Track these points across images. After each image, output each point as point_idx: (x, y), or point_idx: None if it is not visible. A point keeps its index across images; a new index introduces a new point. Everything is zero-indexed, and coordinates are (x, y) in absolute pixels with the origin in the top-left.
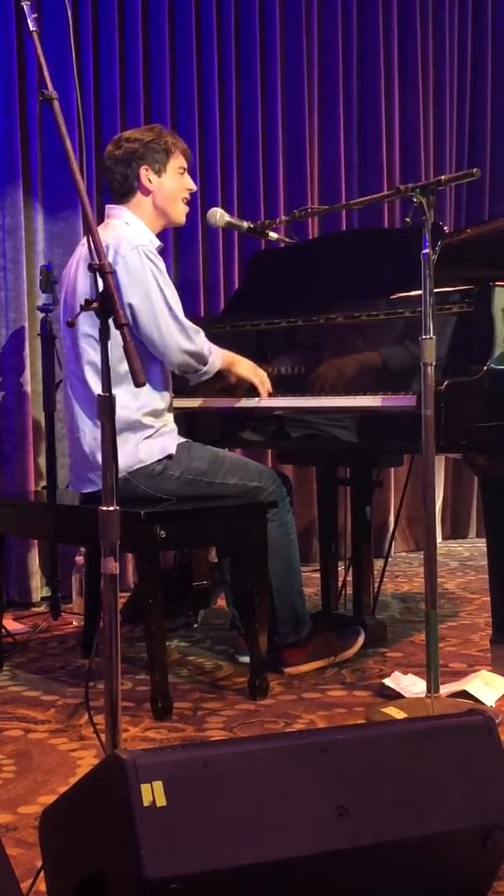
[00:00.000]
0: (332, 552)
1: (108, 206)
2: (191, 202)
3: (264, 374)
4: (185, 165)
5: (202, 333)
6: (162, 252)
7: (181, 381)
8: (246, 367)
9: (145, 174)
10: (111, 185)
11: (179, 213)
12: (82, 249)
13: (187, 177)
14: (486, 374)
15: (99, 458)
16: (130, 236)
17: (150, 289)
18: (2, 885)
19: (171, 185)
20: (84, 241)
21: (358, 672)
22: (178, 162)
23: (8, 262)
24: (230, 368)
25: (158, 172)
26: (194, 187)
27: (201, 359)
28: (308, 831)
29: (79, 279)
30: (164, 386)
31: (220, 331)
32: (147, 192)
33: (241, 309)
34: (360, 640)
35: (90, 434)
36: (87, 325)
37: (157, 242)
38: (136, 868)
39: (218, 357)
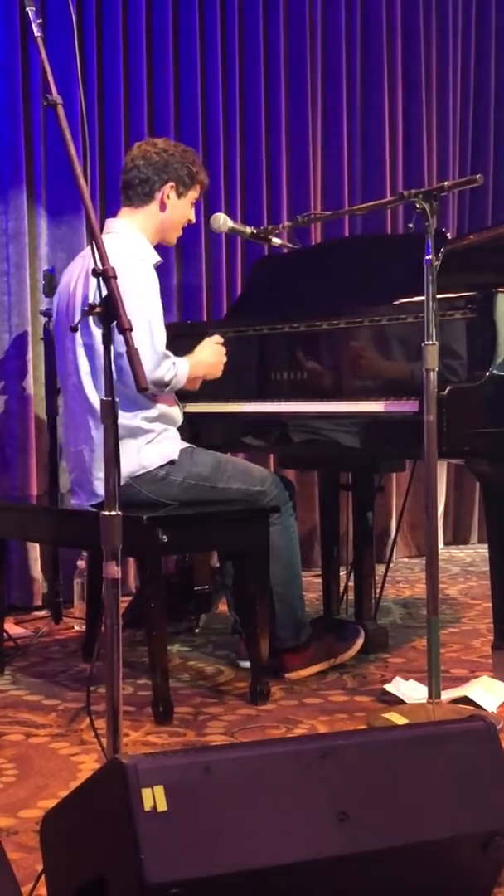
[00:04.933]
0: (333, 557)
1: (108, 220)
2: (194, 207)
3: (219, 364)
4: (198, 198)
5: (168, 360)
6: (164, 258)
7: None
8: (208, 369)
9: (170, 190)
10: (130, 181)
11: (174, 238)
12: (83, 262)
13: (193, 209)
14: (488, 380)
15: (101, 465)
16: (131, 249)
17: (144, 310)
18: (3, 889)
19: (181, 211)
20: (85, 254)
21: (359, 677)
22: (195, 194)
23: (11, 267)
24: (201, 377)
25: (180, 195)
26: (194, 220)
27: (162, 384)
28: (309, 836)
29: (78, 292)
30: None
31: (223, 336)
32: (163, 208)
33: (244, 314)
34: (360, 640)
35: (90, 446)
36: (84, 334)
37: (157, 258)
38: (136, 873)
39: (183, 376)
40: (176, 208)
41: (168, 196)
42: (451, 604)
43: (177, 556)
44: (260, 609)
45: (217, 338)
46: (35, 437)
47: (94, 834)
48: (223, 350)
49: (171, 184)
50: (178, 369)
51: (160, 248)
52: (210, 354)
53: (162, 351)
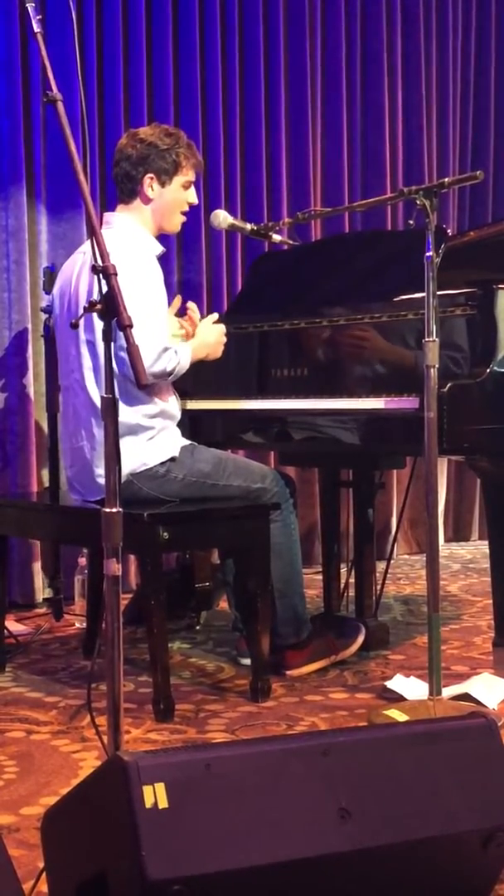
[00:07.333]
0: (334, 554)
1: (106, 214)
2: (192, 188)
3: (220, 344)
4: (193, 179)
5: (169, 351)
6: (164, 255)
7: (184, 383)
8: (209, 350)
9: (149, 182)
10: (115, 178)
11: (175, 224)
12: (83, 258)
13: (191, 191)
14: (488, 377)
15: (102, 462)
16: (129, 242)
17: (144, 304)
18: (4, 886)
19: (170, 198)
20: (84, 249)
21: (360, 674)
22: (185, 177)
23: (11, 264)
24: (203, 359)
25: (163, 184)
26: (195, 202)
27: (165, 375)
28: (310, 834)
29: (81, 289)
30: (155, 389)
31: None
32: (147, 201)
33: (245, 311)
34: (361, 637)
35: (91, 444)
36: (86, 331)
37: (159, 249)
38: (137, 870)
39: (186, 362)
40: (162, 197)
41: (151, 188)
42: (451, 600)
43: (177, 553)
44: (261, 606)
45: (214, 316)
46: (35, 434)
47: (95, 831)
48: (222, 329)
49: (150, 175)
50: (181, 357)
51: (164, 236)
52: (210, 334)
53: (163, 344)
